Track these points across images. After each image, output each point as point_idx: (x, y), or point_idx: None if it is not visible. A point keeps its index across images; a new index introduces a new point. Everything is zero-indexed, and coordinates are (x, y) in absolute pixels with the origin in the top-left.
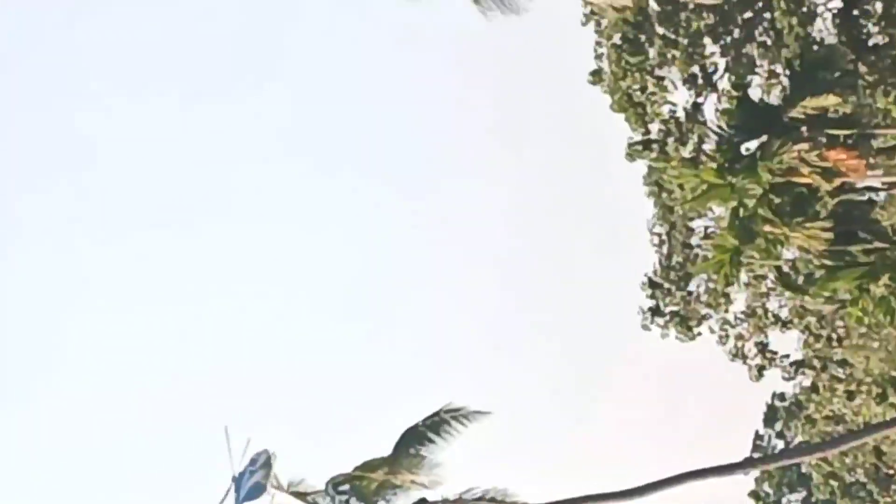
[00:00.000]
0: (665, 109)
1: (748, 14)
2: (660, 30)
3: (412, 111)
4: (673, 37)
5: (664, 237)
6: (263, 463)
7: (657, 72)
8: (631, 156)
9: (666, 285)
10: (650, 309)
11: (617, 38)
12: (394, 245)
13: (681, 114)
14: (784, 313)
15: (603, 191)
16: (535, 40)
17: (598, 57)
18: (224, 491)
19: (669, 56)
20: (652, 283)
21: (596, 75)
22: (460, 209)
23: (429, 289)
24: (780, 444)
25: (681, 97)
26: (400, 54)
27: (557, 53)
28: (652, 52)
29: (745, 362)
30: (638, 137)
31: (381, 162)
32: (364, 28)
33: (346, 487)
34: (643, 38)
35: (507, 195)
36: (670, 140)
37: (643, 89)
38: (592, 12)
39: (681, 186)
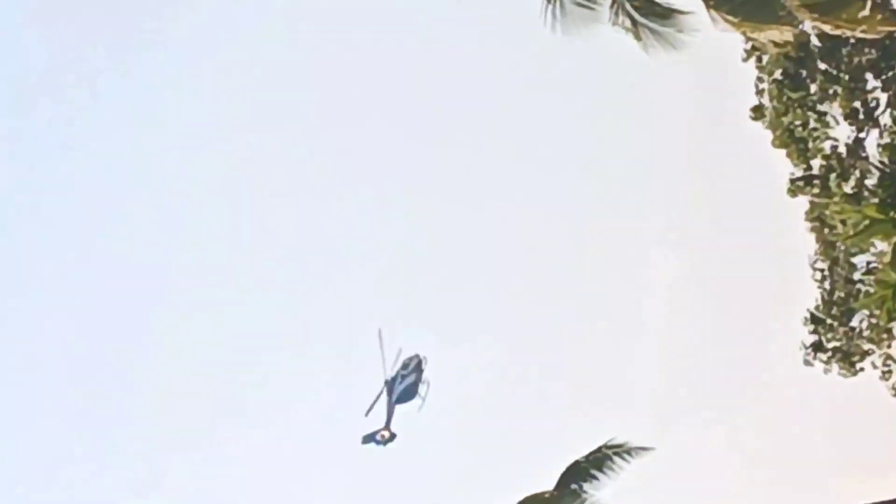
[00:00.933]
0: (827, 145)
1: None
2: (821, 65)
3: (576, 149)
4: (834, 72)
5: (826, 273)
6: (415, 367)
7: (819, 107)
8: (793, 191)
9: (828, 321)
10: (813, 344)
11: (778, 74)
12: (564, 278)
13: (842, 149)
14: None
15: (764, 226)
16: (696, 76)
17: (760, 93)
18: (377, 392)
19: (831, 91)
20: (814, 319)
21: (757, 111)
22: (620, 238)
23: (594, 322)
24: None
25: (842, 132)
26: (558, 93)
27: (718, 89)
28: (813, 88)
29: None
30: (800, 173)
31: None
32: (514, 67)
33: None
34: (804, 73)
35: (668, 226)
36: (832, 176)
37: (805, 125)
38: (754, 48)
39: (843, 222)
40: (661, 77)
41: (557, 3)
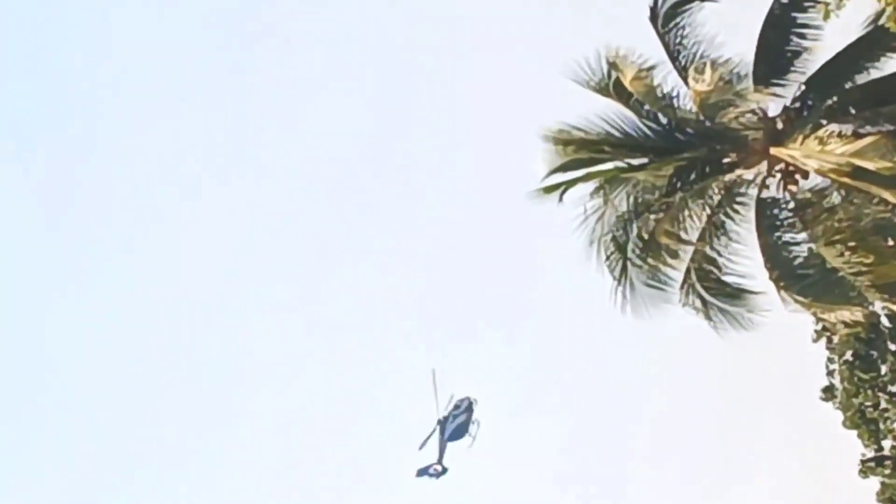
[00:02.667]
0: None
1: None
2: (892, 346)
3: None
4: None
5: None
6: (466, 408)
7: (890, 388)
8: (864, 472)
9: None
10: None
11: (849, 355)
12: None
13: None
14: None
15: None
16: (766, 356)
17: (830, 373)
18: (430, 430)
19: None
20: None
21: (828, 392)
22: None
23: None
24: None
25: None
26: (630, 372)
27: (788, 369)
28: (884, 369)
29: None
30: (870, 454)
31: None
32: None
33: None
34: (875, 354)
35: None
36: None
37: (876, 406)
38: (824, 328)
39: None
40: (731, 357)
41: (627, 284)
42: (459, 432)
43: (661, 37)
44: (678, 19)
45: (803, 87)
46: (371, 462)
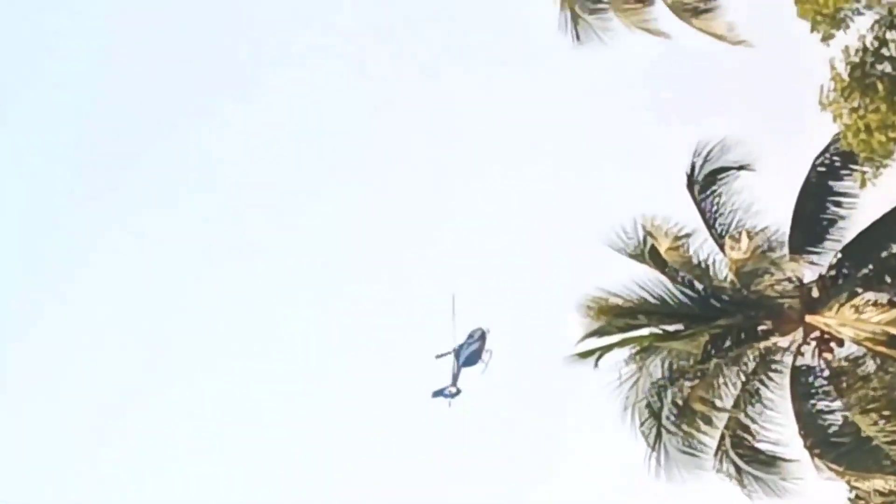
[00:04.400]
0: None
1: None
2: None
3: None
4: None
5: None
6: (479, 337)
7: None
8: None
9: None
10: None
11: None
12: None
13: None
14: None
15: None
16: None
17: None
18: (446, 355)
19: None
20: None
21: None
22: None
23: None
24: None
25: None
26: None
27: None
28: None
29: None
30: None
31: None
32: None
33: None
34: None
35: None
36: None
37: None
38: (857, 496)
39: None
40: None
41: (661, 450)
42: (473, 359)
43: (698, 204)
44: (715, 187)
45: (839, 255)
46: (388, 383)
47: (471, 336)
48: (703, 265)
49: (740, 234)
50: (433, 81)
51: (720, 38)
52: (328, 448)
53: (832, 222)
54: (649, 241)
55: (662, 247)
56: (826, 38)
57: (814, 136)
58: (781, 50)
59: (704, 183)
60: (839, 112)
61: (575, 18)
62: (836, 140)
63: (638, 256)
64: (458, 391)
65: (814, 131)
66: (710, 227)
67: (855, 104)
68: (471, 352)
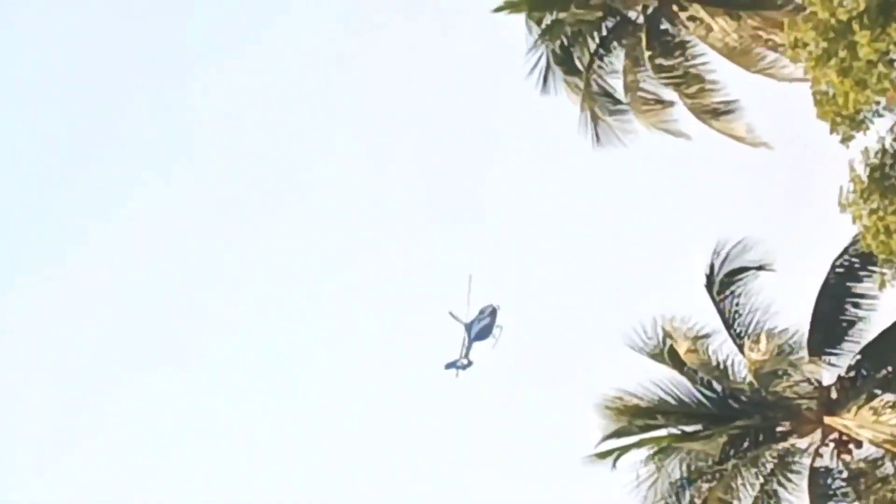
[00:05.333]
0: None
1: None
2: None
3: None
4: None
5: None
6: (490, 313)
7: None
8: None
9: None
10: None
11: None
12: None
13: None
14: None
15: None
16: None
17: None
18: (459, 328)
19: None
20: None
21: None
22: None
23: None
24: None
25: None
26: None
27: None
28: None
29: None
30: None
31: None
32: None
33: None
34: None
35: None
36: None
37: None
38: None
39: None
40: None
41: None
42: (484, 333)
43: (717, 304)
44: (733, 287)
45: (858, 357)
46: (403, 357)
47: (482, 311)
48: (721, 366)
49: (759, 335)
50: (454, 181)
51: (740, 139)
52: (349, 414)
53: (851, 324)
54: (668, 341)
55: (681, 348)
56: (845, 140)
57: (833, 237)
58: (801, 151)
59: (723, 283)
60: (858, 213)
61: (595, 119)
62: (855, 241)
63: (657, 357)
64: (470, 363)
65: (833, 232)
66: (729, 327)
67: (874, 206)
68: (482, 326)
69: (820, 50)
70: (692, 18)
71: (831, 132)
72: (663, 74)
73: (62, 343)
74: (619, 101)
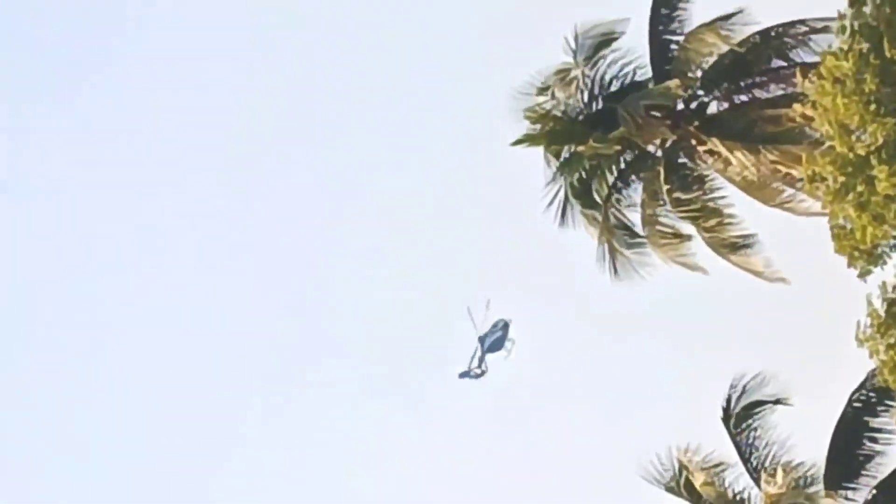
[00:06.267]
0: None
1: None
2: None
3: None
4: None
5: None
6: (502, 327)
7: None
8: None
9: None
10: None
11: None
12: None
13: None
14: None
15: None
16: None
17: None
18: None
19: None
20: None
21: None
22: None
23: None
24: None
25: None
26: None
27: None
28: None
29: None
30: None
31: None
32: None
33: None
34: None
35: None
36: None
37: None
38: None
39: None
40: None
41: None
42: (497, 345)
43: (734, 437)
44: (750, 420)
45: (874, 492)
46: (418, 368)
47: (495, 325)
48: (738, 498)
49: (776, 468)
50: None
51: (757, 274)
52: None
53: (868, 458)
54: (684, 472)
55: (697, 480)
56: (863, 275)
57: (850, 371)
58: (818, 285)
59: (740, 416)
60: (875, 348)
61: (613, 252)
62: (872, 376)
63: (673, 489)
64: (484, 371)
65: (850, 367)
66: (746, 460)
67: (891, 340)
68: (495, 339)
69: (838, 184)
70: (710, 152)
71: (849, 266)
72: (681, 208)
73: None
74: (637, 235)
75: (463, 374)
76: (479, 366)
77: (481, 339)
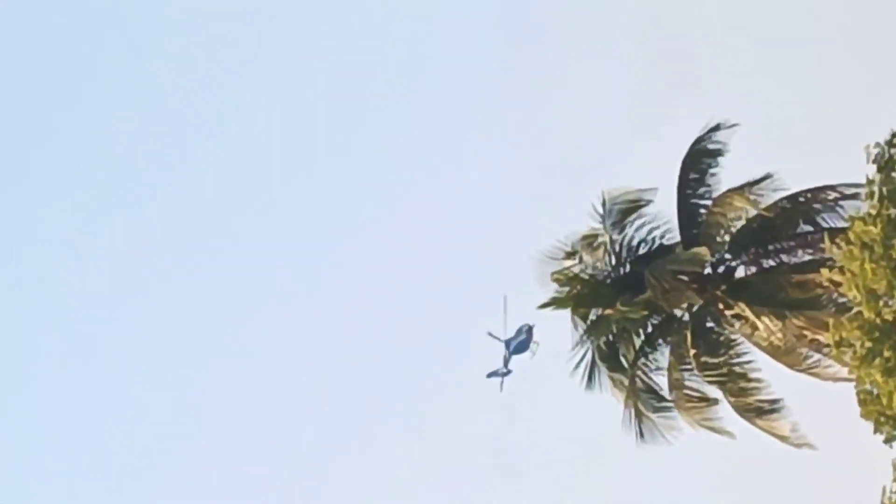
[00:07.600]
0: None
1: None
2: None
3: None
4: None
5: None
6: (526, 331)
7: None
8: None
9: None
10: None
11: None
12: None
13: None
14: None
15: None
16: None
17: None
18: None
19: None
20: None
21: None
22: None
23: None
24: None
25: None
26: None
27: None
28: None
29: None
30: None
31: None
32: None
33: None
34: None
35: None
36: None
37: None
38: None
39: None
40: None
41: None
42: (521, 348)
43: None
44: None
45: None
46: (445, 369)
47: (519, 330)
48: None
49: None
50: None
51: (784, 439)
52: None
53: None
54: None
55: None
56: (889, 440)
57: None
58: (844, 451)
59: None
60: None
61: (639, 416)
62: None
63: None
64: (510, 371)
65: None
66: None
67: None
68: (519, 341)
69: (864, 350)
70: (737, 317)
71: (875, 432)
72: (708, 372)
73: None
74: (663, 398)
75: (490, 374)
76: (505, 365)
77: (506, 342)
